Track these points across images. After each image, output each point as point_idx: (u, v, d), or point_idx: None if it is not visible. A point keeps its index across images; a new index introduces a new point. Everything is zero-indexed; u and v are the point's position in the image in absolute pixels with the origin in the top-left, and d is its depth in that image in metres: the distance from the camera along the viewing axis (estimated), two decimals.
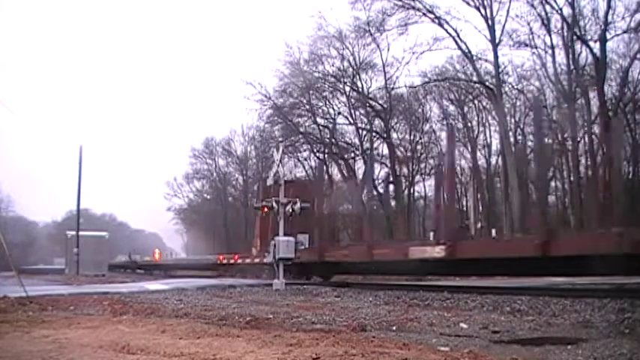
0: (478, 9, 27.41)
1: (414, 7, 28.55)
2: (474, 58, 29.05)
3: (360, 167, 37.14)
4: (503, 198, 32.60)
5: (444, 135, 37.50)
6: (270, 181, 15.08)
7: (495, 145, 35.60)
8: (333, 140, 36.31)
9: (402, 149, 36.46)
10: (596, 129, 28.85)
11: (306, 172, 40.39)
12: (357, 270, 17.78)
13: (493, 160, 36.40)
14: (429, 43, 29.61)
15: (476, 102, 35.32)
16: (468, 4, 27.51)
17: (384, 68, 33.61)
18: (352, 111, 35.96)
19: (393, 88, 34.04)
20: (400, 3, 28.73)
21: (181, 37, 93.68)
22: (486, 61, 29.41)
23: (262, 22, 78.37)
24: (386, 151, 35.48)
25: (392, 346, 4.32)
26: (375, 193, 37.27)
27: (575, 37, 26.68)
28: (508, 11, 27.15)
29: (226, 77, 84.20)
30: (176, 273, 31.66)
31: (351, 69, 34.36)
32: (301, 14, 78.10)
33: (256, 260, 20.88)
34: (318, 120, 36.30)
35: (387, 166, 36.08)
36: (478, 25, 27.91)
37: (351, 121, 36.35)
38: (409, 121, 36.40)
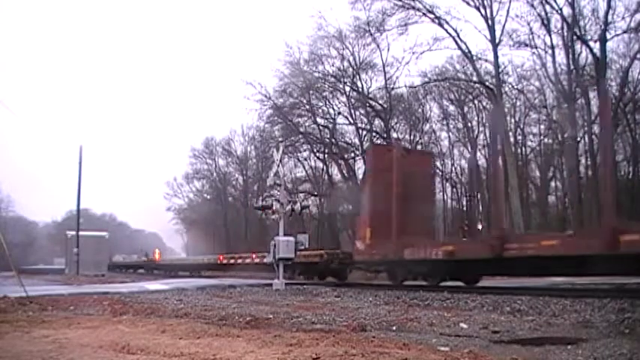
0: (478, 9, 27.42)
1: (414, 7, 28.56)
2: (474, 58, 29.07)
3: (360, 167, 37.17)
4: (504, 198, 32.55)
5: (444, 135, 37.62)
6: (270, 181, 15.06)
7: None
8: (333, 140, 36.32)
9: None
10: (596, 129, 28.86)
11: (306, 172, 40.50)
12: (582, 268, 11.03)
13: None
14: (429, 43, 29.65)
15: (476, 102, 35.34)
16: (468, 4, 27.53)
17: (384, 68, 33.64)
18: (352, 111, 36.00)
19: (393, 88, 34.07)
20: (400, 3, 28.75)
21: (182, 37, 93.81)
22: (486, 61, 29.46)
23: (262, 22, 78.39)
24: None
25: (392, 346, 4.32)
26: None
27: (575, 37, 26.68)
28: (508, 11, 27.18)
29: (226, 77, 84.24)
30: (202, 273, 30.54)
31: (351, 69, 34.38)
32: (301, 14, 78.15)
33: (257, 260, 20.78)
34: (318, 120, 36.34)
35: None
36: (478, 25, 27.95)
37: (351, 121, 36.39)
38: (409, 121, 36.41)
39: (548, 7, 26.75)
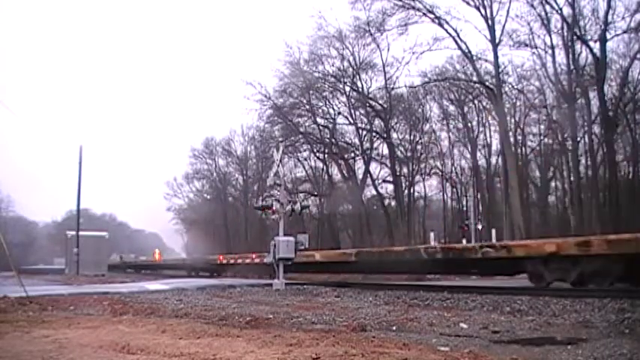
0: (478, 9, 27.46)
1: (414, 7, 28.60)
2: (474, 58, 29.11)
3: (360, 167, 37.22)
4: (503, 198, 32.62)
5: (444, 135, 37.64)
6: (270, 181, 15.03)
7: (495, 145, 35.68)
8: (333, 140, 36.34)
9: (402, 149, 36.54)
10: (596, 129, 28.89)
11: (306, 172, 40.51)
12: None
13: (493, 160, 36.48)
14: (429, 43, 29.72)
15: (476, 102, 35.36)
16: (468, 4, 27.57)
17: (384, 68, 33.70)
18: (352, 111, 36.04)
19: (393, 88, 34.12)
20: (400, 3, 28.80)
21: (181, 37, 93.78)
22: (486, 61, 29.50)
23: (262, 22, 78.37)
24: (386, 151, 35.56)
25: (392, 346, 4.32)
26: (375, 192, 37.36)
27: (575, 37, 26.70)
28: (508, 11, 27.24)
29: (226, 77, 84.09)
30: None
31: (351, 69, 34.42)
32: (301, 14, 78.16)
33: (256, 260, 20.70)
34: (318, 120, 36.37)
35: (387, 166, 36.13)
36: (478, 25, 28.02)
37: (351, 121, 36.43)
38: (409, 121, 36.43)
39: (548, 7, 26.82)
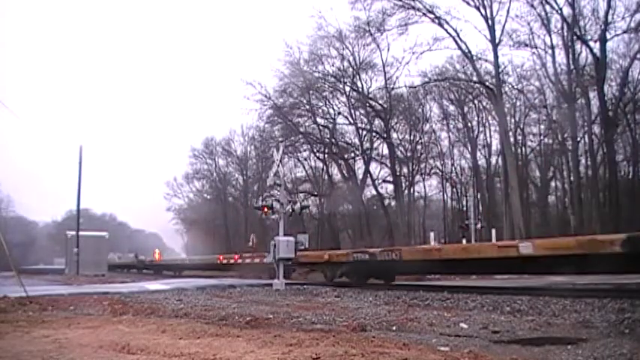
0: (478, 9, 27.47)
1: (414, 7, 28.62)
2: (474, 58, 29.13)
3: (360, 167, 37.24)
4: (503, 198, 32.63)
5: (444, 135, 37.66)
6: (270, 181, 15.01)
7: (495, 145, 35.70)
8: (333, 140, 36.35)
9: (402, 149, 36.55)
10: (596, 129, 28.91)
11: (306, 172, 40.52)
12: None
13: (493, 160, 36.50)
14: (429, 43, 29.75)
15: (476, 102, 35.38)
16: (468, 4, 27.59)
17: (384, 68, 33.70)
18: (352, 111, 36.04)
19: (393, 88, 34.12)
20: (400, 3, 28.81)
21: (181, 37, 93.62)
22: (486, 61, 29.53)
23: (262, 22, 78.31)
24: (386, 151, 35.58)
25: (392, 346, 4.31)
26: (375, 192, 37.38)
27: (575, 37, 26.72)
28: (508, 11, 27.26)
29: (226, 77, 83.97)
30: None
31: (351, 69, 34.43)
32: (301, 14, 78.07)
33: (256, 260, 20.71)
34: (318, 120, 36.38)
35: (387, 166, 36.14)
36: (478, 25, 28.05)
37: (351, 121, 36.44)
38: (409, 121, 36.44)
39: (548, 7, 26.85)
